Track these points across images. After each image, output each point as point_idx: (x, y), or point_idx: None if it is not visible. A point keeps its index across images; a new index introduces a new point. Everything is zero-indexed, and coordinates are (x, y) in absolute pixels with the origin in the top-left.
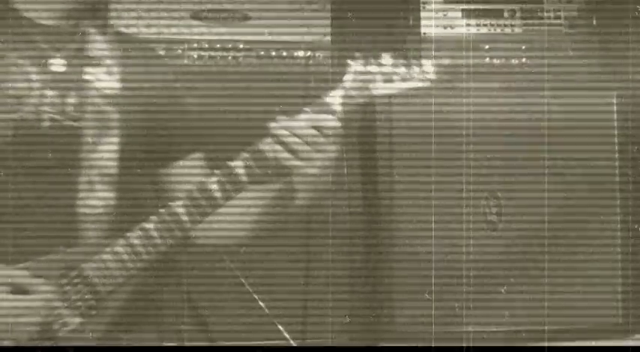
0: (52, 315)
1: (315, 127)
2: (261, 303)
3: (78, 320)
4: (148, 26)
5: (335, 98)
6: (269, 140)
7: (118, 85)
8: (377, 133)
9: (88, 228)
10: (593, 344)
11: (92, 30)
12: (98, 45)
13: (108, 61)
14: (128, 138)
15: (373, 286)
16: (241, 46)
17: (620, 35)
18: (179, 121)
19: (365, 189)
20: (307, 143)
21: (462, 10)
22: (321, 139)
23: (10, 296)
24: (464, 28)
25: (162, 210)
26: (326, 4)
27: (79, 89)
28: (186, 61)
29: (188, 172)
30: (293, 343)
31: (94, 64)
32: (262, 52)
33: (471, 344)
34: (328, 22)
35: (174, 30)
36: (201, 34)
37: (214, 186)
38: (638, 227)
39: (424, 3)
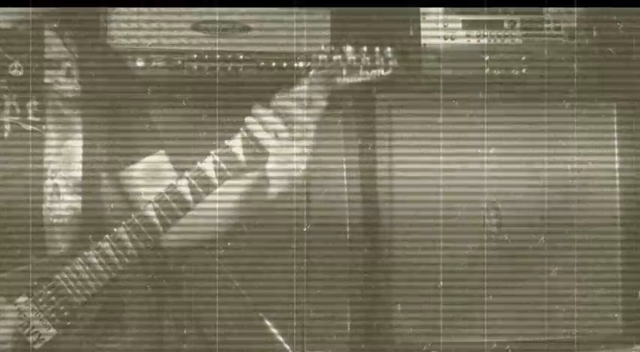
0: (26, 328)
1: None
2: (260, 314)
3: (52, 331)
4: (148, 37)
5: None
6: (237, 136)
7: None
8: (376, 136)
9: (57, 238)
10: None
11: (49, 33)
12: (55, 48)
13: (66, 64)
14: (91, 141)
15: (373, 297)
16: (241, 56)
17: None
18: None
19: (365, 200)
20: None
21: (462, 21)
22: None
23: None
24: (464, 38)
25: (132, 215)
26: (326, 15)
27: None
28: (185, 72)
29: (155, 175)
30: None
31: (53, 67)
32: (262, 63)
33: None
34: (328, 32)
35: (173, 41)
36: (201, 44)
37: (184, 189)
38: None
39: (424, 14)
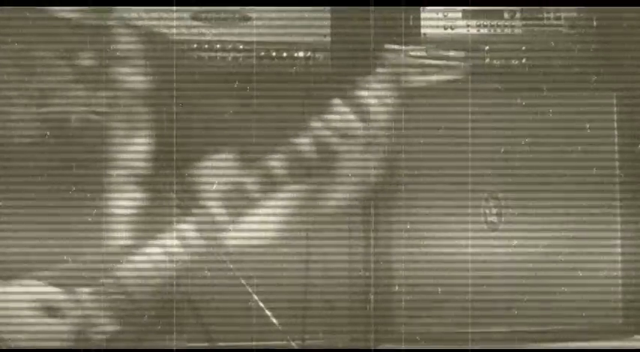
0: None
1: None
2: (261, 304)
3: (111, 328)
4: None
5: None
6: (305, 139)
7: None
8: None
9: (120, 230)
10: (594, 345)
11: (120, 24)
12: (126, 39)
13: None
14: (158, 138)
15: (374, 287)
16: (241, 46)
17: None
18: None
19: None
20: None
21: (463, 10)
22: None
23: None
24: (464, 28)
25: (196, 211)
26: (326, 6)
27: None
28: (185, 62)
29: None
30: (293, 344)
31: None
32: (262, 53)
33: (476, 347)
34: (328, 22)
35: (174, 31)
36: (201, 34)
37: (250, 186)
38: (637, 226)
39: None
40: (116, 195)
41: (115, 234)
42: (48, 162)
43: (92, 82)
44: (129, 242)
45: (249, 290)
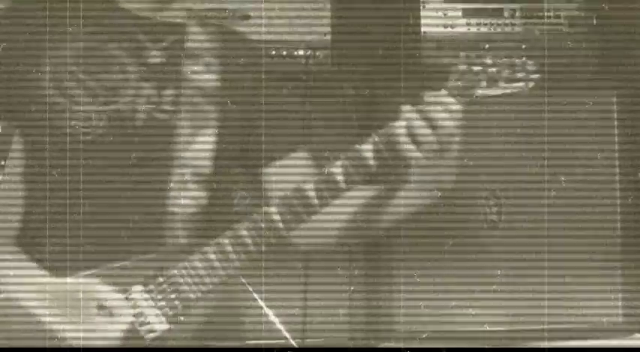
0: (140, 318)
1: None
2: (261, 303)
3: (164, 326)
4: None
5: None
6: (368, 145)
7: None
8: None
9: (178, 229)
10: (594, 343)
11: (191, 22)
12: (196, 37)
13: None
14: (224, 137)
15: (374, 285)
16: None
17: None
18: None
19: None
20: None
21: (463, 9)
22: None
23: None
24: (464, 27)
25: (256, 214)
26: (326, 3)
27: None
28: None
29: (285, 175)
30: (294, 343)
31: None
32: (262, 52)
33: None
34: (328, 21)
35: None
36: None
37: (311, 192)
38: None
39: (424, 2)
40: (181, 193)
41: (177, 233)
42: (113, 161)
43: (159, 80)
44: (188, 241)
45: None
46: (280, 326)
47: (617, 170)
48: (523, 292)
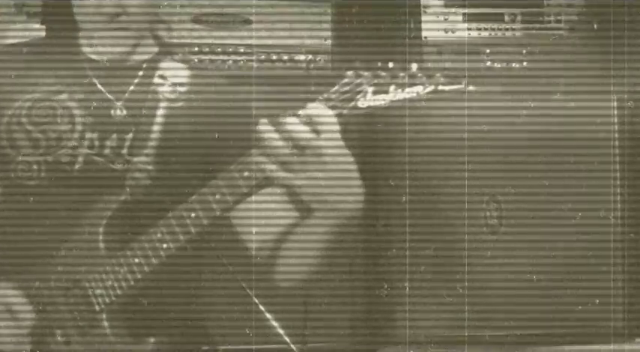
0: None
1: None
2: (261, 307)
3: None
4: None
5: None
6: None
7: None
8: (377, 137)
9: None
10: (595, 348)
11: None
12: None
13: None
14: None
15: (375, 290)
16: (242, 49)
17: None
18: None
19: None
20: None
21: (463, 14)
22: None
23: None
24: (465, 32)
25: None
26: (327, 8)
27: None
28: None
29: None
30: (294, 348)
31: None
32: (263, 56)
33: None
34: (329, 25)
35: (174, 34)
36: (202, 37)
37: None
38: (638, 229)
39: (425, 7)
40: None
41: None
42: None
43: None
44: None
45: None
46: (280, 331)
47: (618, 174)
48: (523, 296)
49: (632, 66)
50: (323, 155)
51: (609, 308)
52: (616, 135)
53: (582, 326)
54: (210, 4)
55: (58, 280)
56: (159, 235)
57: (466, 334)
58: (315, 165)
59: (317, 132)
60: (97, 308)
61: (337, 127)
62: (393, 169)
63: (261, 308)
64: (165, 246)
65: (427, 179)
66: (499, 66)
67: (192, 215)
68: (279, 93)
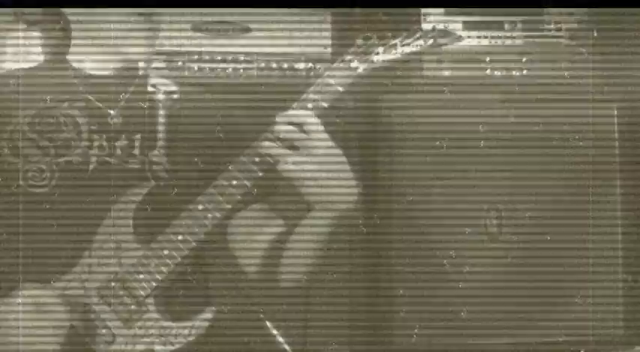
0: None
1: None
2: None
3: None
4: None
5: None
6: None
7: None
8: (378, 143)
9: None
10: None
11: None
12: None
13: None
14: None
15: (374, 297)
16: (242, 57)
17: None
18: None
19: (365, 200)
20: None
21: (463, 22)
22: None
23: None
24: (465, 39)
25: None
26: (326, 16)
27: None
28: (186, 73)
29: None
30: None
31: None
32: (263, 64)
33: None
34: (329, 34)
35: (174, 42)
36: (202, 45)
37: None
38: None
39: (425, 15)
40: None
41: None
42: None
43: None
44: None
45: None
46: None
47: (618, 182)
48: (523, 304)
49: (632, 74)
50: (315, 155)
51: (609, 316)
52: (616, 144)
53: (582, 334)
54: (210, 12)
55: (92, 279)
56: (200, 207)
57: (466, 342)
58: (309, 165)
59: (305, 132)
60: (142, 293)
61: (322, 127)
62: (393, 178)
63: (261, 315)
64: (210, 215)
65: (426, 187)
66: (499, 74)
67: (235, 182)
68: (278, 102)
